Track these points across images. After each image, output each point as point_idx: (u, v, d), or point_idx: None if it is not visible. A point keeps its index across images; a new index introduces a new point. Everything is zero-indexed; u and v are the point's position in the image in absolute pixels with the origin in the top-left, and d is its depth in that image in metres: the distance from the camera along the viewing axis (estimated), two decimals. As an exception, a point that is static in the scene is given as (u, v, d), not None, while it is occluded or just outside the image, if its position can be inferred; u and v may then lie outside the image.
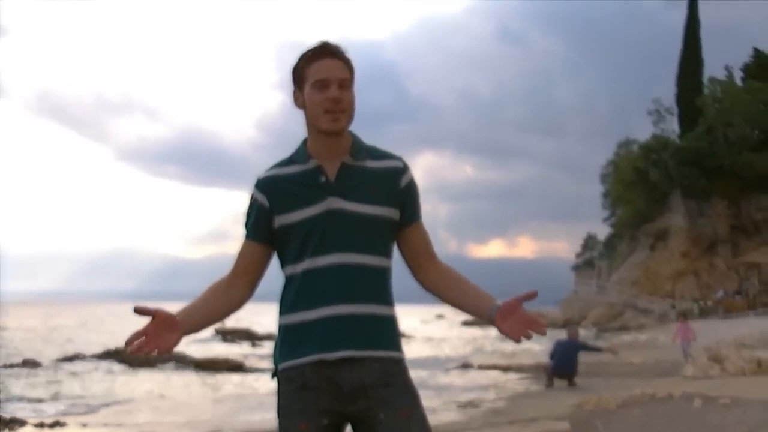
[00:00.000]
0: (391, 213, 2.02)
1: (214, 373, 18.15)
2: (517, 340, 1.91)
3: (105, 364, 19.83)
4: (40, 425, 9.53)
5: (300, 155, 2.05)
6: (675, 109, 48.53)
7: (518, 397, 11.90)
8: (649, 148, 46.83)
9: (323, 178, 1.99)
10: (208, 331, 32.64)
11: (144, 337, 1.92)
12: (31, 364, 19.36)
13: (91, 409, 11.86)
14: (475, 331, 40.95)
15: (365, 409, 1.92)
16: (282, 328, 2.02)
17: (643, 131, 52.28)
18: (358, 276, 1.96)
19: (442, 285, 2.08)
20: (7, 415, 9.99)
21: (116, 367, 19.31)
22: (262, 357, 23.17)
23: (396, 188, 2.03)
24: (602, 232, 60.88)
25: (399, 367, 1.99)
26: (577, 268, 63.73)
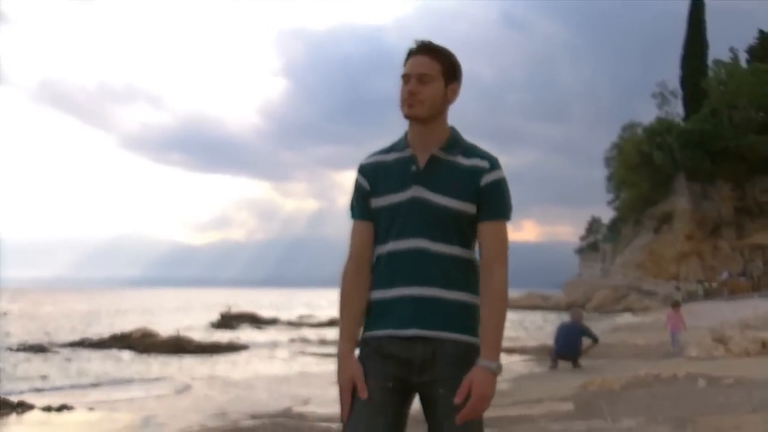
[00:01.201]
0: (468, 208, 2.12)
1: (218, 355, 18.24)
2: (458, 405, 2.00)
3: (111, 349, 19.93)
4: (48, 409, 9.58)
5: (399, 143, 2.22)
6: (679, 92, 48.41)
7: (522, 378, 11.93)
8: (654, 131, 46.70)
9: (414, 167, 2.15)
10: (214, 317, 32.85)
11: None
12: (37, 348, 19.46)
13: (99, 393, 11.93)
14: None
15: (429, 381, 2.06)
16: (369, 302, 2.18)
17: (647, 114, 52.37)
18: (431, 262, 2.09)
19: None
20: (14, 399, 10.04)
21: (123, 351, 19.41)
22: (266, 341, 23.27)
23: (476, 185, 2.13)
24: (606, 215, 60.94)
25: (470, 349, 2.08)
26: (581, 251, 63.72)
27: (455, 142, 2.18)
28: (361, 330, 2.18)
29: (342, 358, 2.12)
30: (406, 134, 2.22)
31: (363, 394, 2.04)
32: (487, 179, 2.13)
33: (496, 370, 2.02)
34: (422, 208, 2.11)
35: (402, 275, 2.10)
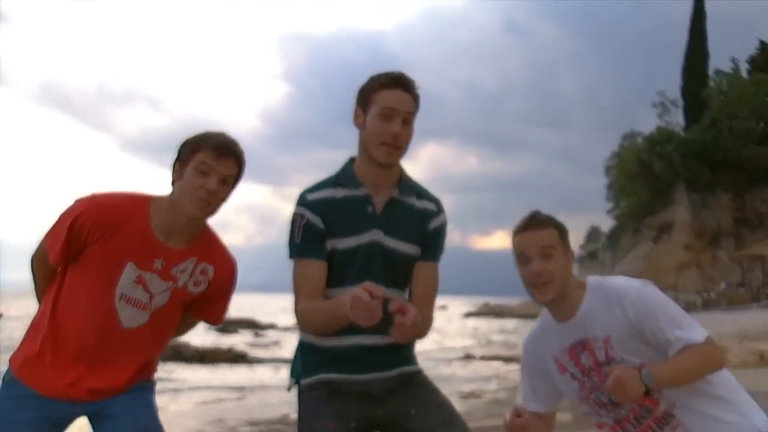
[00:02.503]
0: (416, 251, 2.10)
1: (216, 363, 18.21)
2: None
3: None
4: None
5: (348, 179, 2.09)
6: (680, 102, 48.39)
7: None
8: (654, 140, 46.70)
9: (370, 209, 2.05)
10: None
11: None
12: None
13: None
14: (478, 323, 40.98)
15: (394, 409, 2.02)
16: (308, 346, 2.10)
17: (647, 123, 52.38)
18: (387, 309, 1.99)
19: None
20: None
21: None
22: (266, 346, 23.23)
23: (425, 229, 2.11)
24: (606, 224, 60.82)
25: (419, 373, 2.15)
26: (580, 260, 63.55)
27: (407, 183, 2.12)
28: (295, 374, 2.13)
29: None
30: (351, 164, 2.10)
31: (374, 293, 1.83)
32: (434, 223, 2.12)
33: None
34: (380, 253, 2.04)
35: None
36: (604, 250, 57.93)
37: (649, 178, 45.58)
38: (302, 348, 2.13)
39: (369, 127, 2.02)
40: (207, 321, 2.26)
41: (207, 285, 2.16)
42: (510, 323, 37.94)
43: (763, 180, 41.16)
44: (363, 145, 2.06)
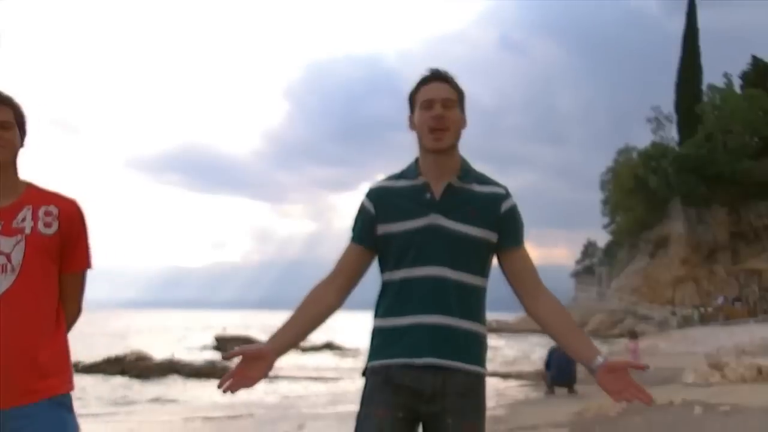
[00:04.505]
0: (489, 236, 2.11)
1: (213, 379, 18.12)
2: (618, 400, 2.00)
3: (104, 372, 19.77)
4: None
5: (410, 171, 2.17)
6: (674, 117, 48.68)
7: (518, 404, 11.86)
8: (649, 155, 46.91)
9: (428, 195, 2.11)
10: (209, 340, 32.62)
11: (234, 377, 2.02)
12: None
13: (91, 416, 11.81)
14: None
15: (438, 411, 2.03)
16: (376, 330, 2.14)
17: (642, 139, 52.51)
18: (451, 290, 2.05)
19: (552, 318, 2.13)
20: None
21: (116, 375, 19.26)
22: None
23: (496, 213, 2.12)
24: (602, 239, 60.95)
25: (479, 381, 2.09)
26: (576, 274, 63.70)
27: (468, 171, 2.16)
28: (366, 359, 2.14)
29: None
30: (416, 162, 2.18)
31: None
32: (506, 206, 2.13)
33: None
34: (440, 235, 2.07)
35: (418, 303, 2.04)
36: (601, 264, 57.98)
37: (644, 193, 45.74)
38: (372, 332, 2.17)
39: (417, 122, 2.12)
40: (77, 268, 2.22)
41: (58, 225, 2.14)
42: (507, 339, 37.83)
43: (758, 194, 41.31)
44: (419, 142, 2.15)
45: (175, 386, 16.96)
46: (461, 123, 2.14)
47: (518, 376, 17.02)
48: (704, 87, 47.23)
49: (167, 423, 11.31)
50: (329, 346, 31.64)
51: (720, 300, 37.65)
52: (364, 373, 2.14)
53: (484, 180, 2.17)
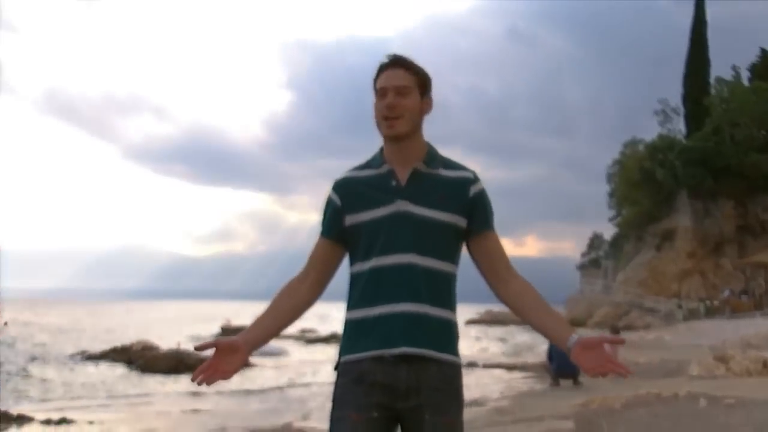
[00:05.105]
0: (457, 220, 2.07)
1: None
2: (593, 375, 1.96)
3: (110, 363, 19.89)
4: (47, 422, 9.57)
5: (375, 160, 2.15)
6: (681, 109, 48.42)
7: (523, 395, 11.89)
8: (656, 147, 46.68)
9: (394, 182, 2.08)
10: (215, 330, 32.78)
11: (208, 370, 1.99)
12: (36, 360, 19.44)
13: (98, 406, 11.90)
14: (480, 330, 40.90)
15: (415, 406, 1.98)
16: (347, 323, 2.10)
17: (649, 131, 52.28)
18: (421, 277, 2.01)
19: (524, 302, 2.10)
20: (14, 412, 10.02)
21: (123, 364, 19.37)
22: (267, 353, 23.20)
23: (464, 197, 2.09)
24: (608, 231, 60.69)
25: (454, 371, 2.06)
26: (582, 267, 63.56)
27: (434, 156, 2.13)
28: (338, 353, 2.10)
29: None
30: (381, 151, 2.15)
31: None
32: (474, 189, 2.10)
33: None
34: (407, 222, 2.03)
35: (388, 291, 2.01)
36: (607, 257, 57.84)
37: (651, 186, 45.55)
38: (343, 325, 2.13)
39: (375, 111, 2.11)
40: None
41: None
42: (512, 331, 37.87)
43: (765, 188, 41.15)
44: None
45: (180, 376, 17.03)
46: (419, 108, 2.10)
47: (523, 367, 17.06)
48: (712, 79, 46.93)
49: (168, 415, 11.38)
50: (335, 338, 31.78)
51: (726, 293, 37.58)
52: (336, 368, 2.09)
53: (451, 165, 2.13)
